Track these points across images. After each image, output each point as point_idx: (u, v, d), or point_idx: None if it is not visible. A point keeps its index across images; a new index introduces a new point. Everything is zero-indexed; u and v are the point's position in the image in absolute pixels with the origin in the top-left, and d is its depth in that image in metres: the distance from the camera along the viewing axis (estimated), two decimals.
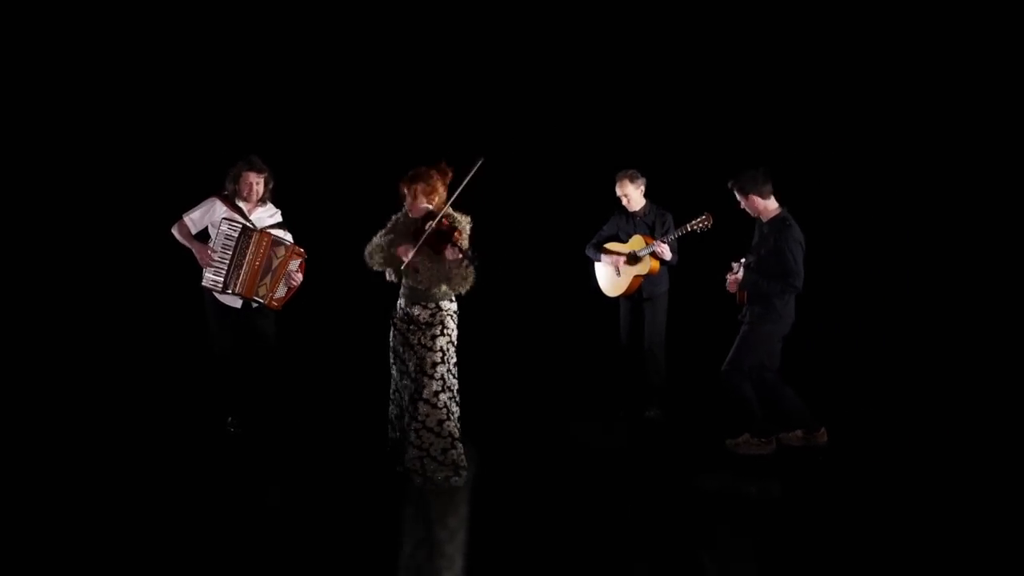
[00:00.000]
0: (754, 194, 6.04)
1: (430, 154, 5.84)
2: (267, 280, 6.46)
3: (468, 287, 5.69)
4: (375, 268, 5.85)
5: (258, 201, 6.60)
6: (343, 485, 5.72)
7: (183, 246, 6.60)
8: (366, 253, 5.81)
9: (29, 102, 8.19)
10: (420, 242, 5.60)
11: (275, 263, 6.48)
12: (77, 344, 8.29)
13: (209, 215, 6.52)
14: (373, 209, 6.12)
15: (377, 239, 5.82)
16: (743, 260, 6.15)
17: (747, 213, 6.18)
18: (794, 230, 5.98)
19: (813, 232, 6.33)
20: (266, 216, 6.66)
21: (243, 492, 5.67)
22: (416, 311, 5.76)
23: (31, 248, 8.30)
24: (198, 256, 6.51)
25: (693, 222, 6.72)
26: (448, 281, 5.71)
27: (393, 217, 5.88)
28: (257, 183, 6.55)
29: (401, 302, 5.85)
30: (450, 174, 5.72)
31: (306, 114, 8.43)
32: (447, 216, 5.68)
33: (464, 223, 5.74)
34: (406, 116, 8.44)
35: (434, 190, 5.74)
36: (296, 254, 6.56)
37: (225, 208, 6.53)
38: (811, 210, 6.55)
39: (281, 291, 6.56)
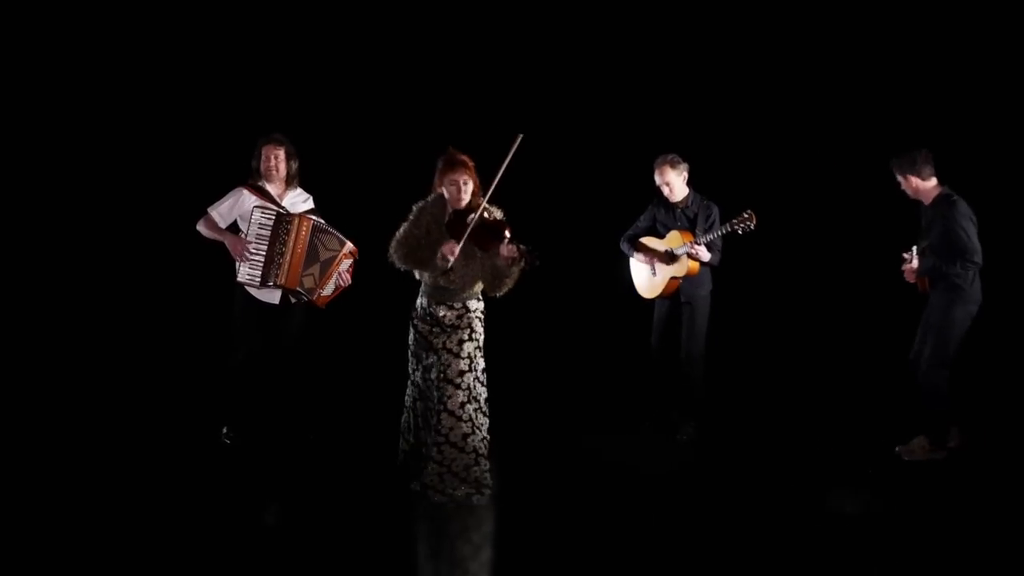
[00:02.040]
0: (912, 175, 6.04)
1: (442, 142, 5.53)
2: (314, 271, 6.17)
3: (508, 289, 5.35)
4: (403, 267, 5.45)
5: (286, 183, 6.33)
6: (349, 503, 5.46)
7: (211, 241, 6.31)
8: (391, 250, 5.40)
9: (32, 97, 8.03)
10: (464, 238, 5.21)
11: (323, 254, 6.20)
12: (63, 348, 8.06)
13: (238, 207, 6.24)
14: (382, 197, 5.95)
15: (403, 233, 5.40)
16: (915, 248, 6.06)
17: (907, 196, 6.15)
18: (960, 205, 5.95)
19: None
20: (299, 201, 6.37)
21: (240, 510, 5.38)
22: (441, 311, 5.39)
23: (22, 248, 8.10)
24: (231, 248, 6.20)
25: (734, 221, 6.30)
26: (494, 280, 5.34)
27: (415, 207, 5.45)
28: (277, 156, 6.25)
29: (423, 300, 5.47)
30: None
31: (312, 101, 8.16)
32: (485, 210, 5.31)
33: (498, 216, 5.39)
34: (413, 102, 8.19)
35: (473, 172, 5.39)
36: (350, 254, 6.28)
37: (255, 197, 6.24)
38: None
39: (329, 289, 6.26)
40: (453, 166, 5.34)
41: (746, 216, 6.27)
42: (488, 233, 5.22)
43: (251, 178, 6.29)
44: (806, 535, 5.07)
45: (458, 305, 5.40)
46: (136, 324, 8.15)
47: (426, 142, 6.01)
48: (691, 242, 6.41)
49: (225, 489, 5.64)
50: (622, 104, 8.07)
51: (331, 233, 6.22)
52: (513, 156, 5.23)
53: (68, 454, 6.17)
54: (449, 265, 5.27)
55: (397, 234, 5.39)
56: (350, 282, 6.29)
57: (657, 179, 6.51)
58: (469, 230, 5.23)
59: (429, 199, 5.45)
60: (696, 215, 6.50)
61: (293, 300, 6.26)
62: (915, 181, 6.04)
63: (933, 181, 6.04)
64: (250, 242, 6.13)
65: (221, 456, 6.18)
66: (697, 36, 7.95)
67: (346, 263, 6.25)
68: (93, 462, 6.04)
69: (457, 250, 5.23)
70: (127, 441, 6.43)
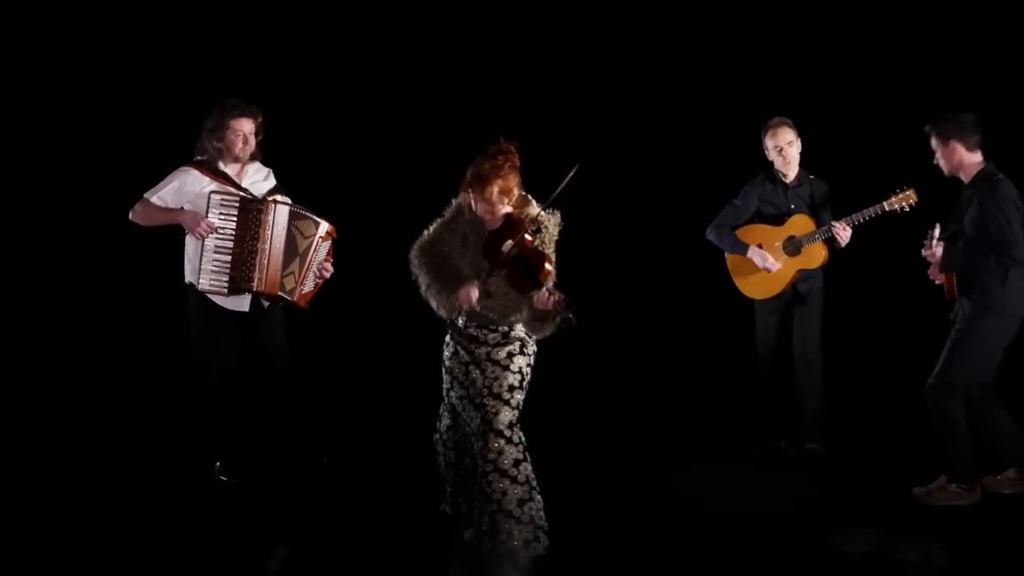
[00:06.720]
0: (957, 141, 5.39)
1: (478, 129, 4.96)
2: (294, 267, 5.47)
3: (550, 332, 4.78)
4: (416, 277, 4.83)
5: (246, 161, 5.58)
6: (376, 553, 4.89)
7: (153, 227, 5.54)
8: (412, 253, 4.82)
9: None
10: (493, 270, 4.66)
11: (300, 244, 5.48)
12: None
13: (184, 191, 5.45)
14: (408, 182, 5.92)
15: (433, 234, 4.80)
16: (938, 228, 5.46)
17: (940, 171, 5.51)
18: (1004, 185, 5.35)
19: None
20: (260, 179, 5.61)
21: (245, 559, 4.87)
22: (483, 334, 4.86)
23: None
24: (190, 226, 5.39)
25: (893, 199, 5.83)
26: (528, 316, 4.75)
27: (454, 201, 4.82)
28: (251, 132, 5.46)
29: (462, 319, 4.89)
30: (516, 152, 4.74)
31: (329, 87, 7.75)
32: (532, 223, 4.68)
33: (552, 224, 4.76)
34: (439, 89, 7.73)
35: (512, 185, 4.69)
36: (328, 235, 5.57)
37: (207, 179, 5.44)
38: None
39: (309, 284, 5.58)
40: (483, 179, 4.61)
41: (908, 193, 5.81)
42: (523, 271, 4.58)
43: (199, 154, 5.49)
44: None
45: (502, 328, 4.83)
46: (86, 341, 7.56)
47: (469, 128, 5.56)
48: (836, 223, 5.96)
49: (226, 536, 5.08)
50: (702, 97, 7.62)
51: (305, 216, 5.49)
52: (566, 185, 4.58)
53: (40, 507, 5.38)
54: (457, 314, 4.76)
55: (426, 232, 4.83)
56: (332, 271, 5.60)
57: (769, 143, 6.05)
58: (499, 260, 4.60)
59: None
60: (812, 195, 6.14)
61: (266, 304, 5.55)
62: (958, 149, 5.40)
63: (979, 155, 5.44)
64: (213, 224, 5.34)
65: (217, 497, 5.59)
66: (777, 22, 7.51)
67: (324, 248, 5.55)
68: (64, 517, 5.26)
69: (475, 299, 4.66)
70: (104, 488, 5.69)
